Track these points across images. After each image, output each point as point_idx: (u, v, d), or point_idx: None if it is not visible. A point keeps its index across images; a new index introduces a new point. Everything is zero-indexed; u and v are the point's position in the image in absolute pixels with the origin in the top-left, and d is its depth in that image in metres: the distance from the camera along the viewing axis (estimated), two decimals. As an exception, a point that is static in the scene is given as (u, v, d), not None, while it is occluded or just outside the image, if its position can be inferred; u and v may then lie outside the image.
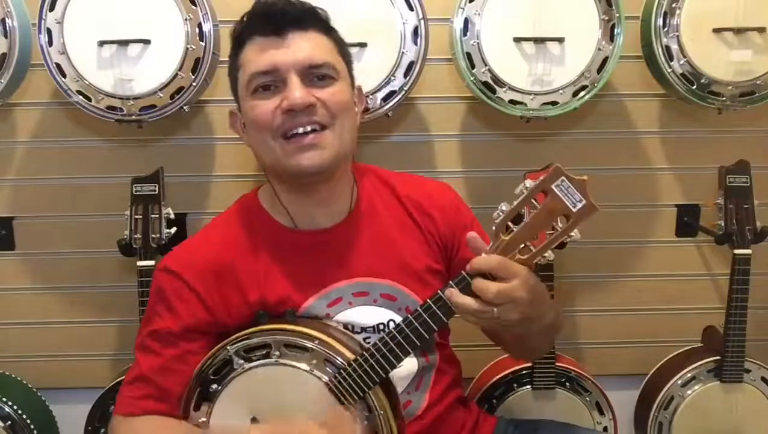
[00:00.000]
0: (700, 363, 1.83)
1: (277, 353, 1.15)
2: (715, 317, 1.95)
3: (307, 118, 1.15)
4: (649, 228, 2.01)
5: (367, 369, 1.12)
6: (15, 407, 1.79)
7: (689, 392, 1.83)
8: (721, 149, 1.93)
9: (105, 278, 1.96)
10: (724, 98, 1.71)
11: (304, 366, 1.14)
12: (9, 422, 1.77)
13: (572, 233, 1.07)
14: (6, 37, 1.61)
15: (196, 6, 1.61)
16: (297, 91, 1.13)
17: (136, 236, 1.70)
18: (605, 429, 1.84)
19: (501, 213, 1.06)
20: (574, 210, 1.05)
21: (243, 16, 1.21)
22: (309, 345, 1.14)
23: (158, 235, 1.70)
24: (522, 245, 1.06)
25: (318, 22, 1.20)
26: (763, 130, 1.98)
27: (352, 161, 1.30)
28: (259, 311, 1.21)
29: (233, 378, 1.17)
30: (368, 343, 1.23)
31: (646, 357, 1.99)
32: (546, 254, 1.07)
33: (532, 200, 1.05)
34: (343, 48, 1.24)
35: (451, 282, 1.08)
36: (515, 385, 1.81)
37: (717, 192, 1.81)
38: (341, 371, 1.13)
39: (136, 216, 1.70)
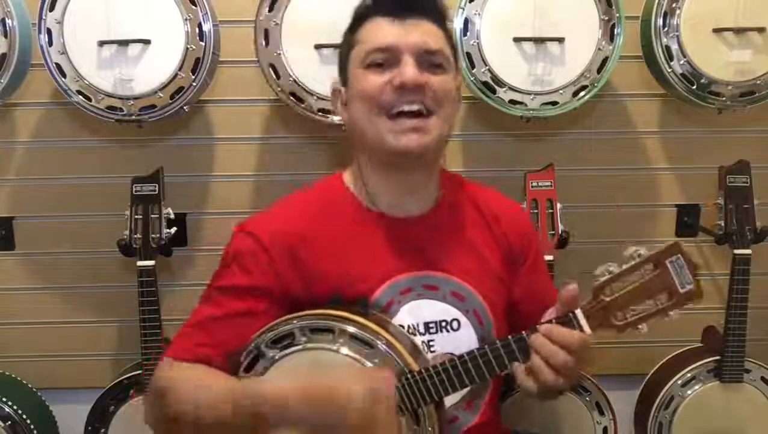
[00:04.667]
0: (700, 363, 1.83)
1: (340, 340, 1.14)
2: (715, 317, 1.95)
3: (416, 97, 1.15)
4: (649, 228, 2.02)
5: (429, 385, 1.11)
6: (15, 407, 1.79)
7: (689, 392, 1.83)
8: (721, 149, 1.93)
9: (105, 278, 1.96)
10: (724, 98, 1.71)
11: (366, 362, 1.13)
12: (9, 422, 1.77)
13: (671, 313, 1.05)
14: (6, 37, 1.61)
15: (196, 6, 1.61)
16: (410, 70, 1.15)
17: (136, 236, 1.70)
18: (605, 429, 1.83)
19: (607, 273, 1.05)
20: (681, 291, 1.04)
21: None
22: (376, 343, 1.13)
23: (158, 235, 1.70)
24: (618, 311, 1.06)
25: (438, 13, 1.23)
26: (763, 130, 1.98)
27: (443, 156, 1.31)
28: (333, 296, 1.20)
29: (291, 353, 1.15)
30: (431, 345, 1.22)
31: (646, 357, 1.99)
32: (640, 327, 1.07)
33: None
34: (453, 44, 1.26)
35: (525, 333, 1.08)
36: (515, 385, 1.80)
37: (717, 192, 1.81)
38: (401, 378, 1.11)
39: (136, 216, 1.70)
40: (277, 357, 1.16)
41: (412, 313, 1.23)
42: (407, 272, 1.23)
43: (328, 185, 1.31)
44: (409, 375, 1.11)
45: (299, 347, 1.15)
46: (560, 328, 1.07)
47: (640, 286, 1.04)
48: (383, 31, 1.19)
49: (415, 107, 1.16)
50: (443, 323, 1.24)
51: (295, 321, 1.16)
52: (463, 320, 1.24)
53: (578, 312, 1.07)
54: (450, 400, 1.22)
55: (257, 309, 1.20)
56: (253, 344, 1.18)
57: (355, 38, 1.22)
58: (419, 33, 1.18)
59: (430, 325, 1.24)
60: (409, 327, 1.22)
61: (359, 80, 1.19)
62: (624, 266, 1.04)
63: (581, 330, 1.07)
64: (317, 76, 1.65)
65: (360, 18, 1.23)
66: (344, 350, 1.13)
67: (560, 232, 1.75)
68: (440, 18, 1.23)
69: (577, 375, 1.09)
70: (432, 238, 1.26)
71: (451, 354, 1.18)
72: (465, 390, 1.22)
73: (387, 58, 1.17)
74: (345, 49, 1.25)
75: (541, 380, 1.06)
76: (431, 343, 1.23)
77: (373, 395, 1.06)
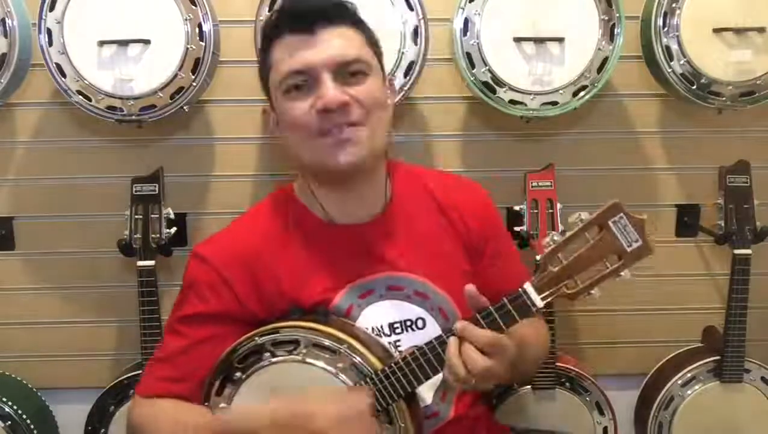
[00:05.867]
0: (700, 363, 1.83)
1: (304, 351, 1.15)
2: (715, 317, 1.95)
3: (343, 118, 1.13)
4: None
5: (394, 381, 1.11)
6: (15, 407, 1.79)
7: (689, 392, 1.83)
8: (721, 149, 1.93)
9: (105, 278, 1.95)
10: (724, 98, 1.71)
11: (330, 368, 1.14)
12: (9, 422, 1.77)
13: (622, 273, 1.03)
14: (6, 37, 1.61)
15: (196, 6, 1.61)
16: (331, 91, 1.12)
17: (136, 236, 1.70)
18: (605, 429, 1.84)
19: (552, 243, 1.03)
20: (628, 250, 1.01)
21: (271, 14, 1.21)
22: (338, 348, 1.14)
23: (158, 235, 1.70)
24: (569, 279, 1.04)
25: (347, 15, 1.19)
26: (763, 130, 1.98)
27: (385, 156, 1.29)
28: (292, 307, 1.21)
29: (258, 369, 1.17)
30: (398, 346, 1.23)
31: (646, 357, 1.99)
32: (592, 292, 1.04)
33: (585, 233, 1.01)
34: (372, 40, 1.22)
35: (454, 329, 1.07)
36: (515, 385, 1.80)
37: (717, 192, 1.81)
38: (367, 379, 1.12)
39: (136, 216, 1.70)
40: (244, 377, 1.17)
41: (375, 315, 1.23)
42: (366, 276, 1.23)
43: (280, 198, 1.30)
44: (373, 375, 1.12)
45: (266, 363, 1.17)
46: (473, 330, 1.05)
47: (587, 251, 1.02)
48: (294, 51, 1.14)
49: (344, 128, 1.14)
50: (408, 323, 1.24)
51: (257, 338, 1.17)
52: (429, 318, 1.24)
53: (528, 286, 1.05)
54: (429, 394, 1.24)
55: (221, 334, 1.21)
56: (220, 366, 1.19)
57: (269, 60, 1.19)
58: (332, 44, 1.14)
59: (395, 325, 1.24)
60: (373, 329, 1.23)
61: (284, 109, 1.17)
62: (567, 234, 1.02)
63: (533, 303, 1.05)
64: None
65: (269, 38, 1.19)
66: (309, 359, 1.14)
67: (560, 232, 1.74)
68: (350, 18, 1.19)
69: (490, 374, 1.06)
70: (389, 240, 1.25)
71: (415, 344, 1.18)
72: (438, 382, 1.23)
73: (305, 80, 1.14)
74: (263, 73, 1.22)
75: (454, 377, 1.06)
76: (397, 343, 1.23)
77: (348, 418, 1.08)
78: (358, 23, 1.20)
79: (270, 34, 1.19)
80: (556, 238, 1.03)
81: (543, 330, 1.39)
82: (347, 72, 1.15)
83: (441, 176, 1.38)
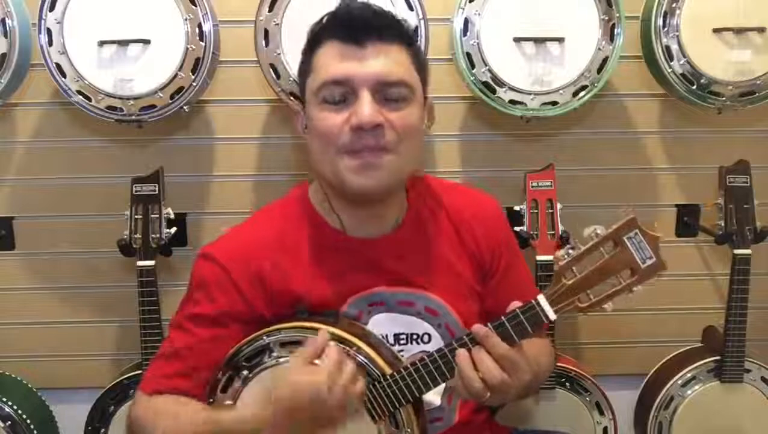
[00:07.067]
0: (700, 363, 1.83)
1: None
2: (715, 317, 1.95)
3: (374, 140, 1.10)
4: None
5: (402, 386, 1.11)
6: (15, 407, 1.79)
7: (689, 392, 1.83)
8: (721, 149, 1.93)
9: (105, 278, 1.96)
10: (724, 98, 1.71)
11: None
12: (9, 422, 1.77)
13: (635, 289, 1.04)
14: (6, 37, 1.61)
15: (196, 6, 1.61)
16: (367, 109, 1.08)
17: (136, 236, 1.70)
18: (605, 429, 1.83)
19: (566, 256, 1.04)
20: (642, 266, 1.03)
21: (323, 17, 1.16)
22: (346, 350, 1.13)
23: (158, 235, 1.70)
24: (582, 293, 1.04)
25: (400, 35, 1.14)
26: (763, 130, 1.98)
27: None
28: (299, 307, 1.20)
29: (265, 368, 1.16)
30: (401, 354, 1.22)
31: (646, 357, 1.99)
32: (605, 306, 1.05)
33: (601, 248, 1.02)
34: (420, 63, 1.17)
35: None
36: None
37: (717, 192, 1.81)
38: (375, 382, 1.12)
39: (136, 216, 1.70)
40: (251, 375, 1.17)
41: (382, 324, 1.22)
42: (376, 290, 1.22)
43: (294, 201, 1.28)
44: (382, 379, 1.12)
45: (272, 362, 1.16)
46: (494, 337, 1.05)
47: (601, 265, 1.03)
48: (339, 61, 1.10)
49: (375, 152, 1.11)
50: (414, 336, 1.24)
51: (265, 337, 1.17)
52: (435, 334, 1.24)
53: (541, 298, 1.06)
54: (436, 397, 1.24)
55: (227, 334, 1.20)
56: (227, 363, 1.18)
57: (311, 64, 1.15)
58: (378, 62, 1.10)
59: (401, 336, 1.24)
60: (380, 336, 1.22)
61: (316, 117, 1.13)
62: (582, 247, 1.03)
63: (546, 315, 1.05)
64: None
65: (315, 40, 1.15)
66: (317, 361, 1.13)
67: (560, 232, 1.75)
68: (403, 38, 1.14)
69: (504, 390, 1.06)
70: (401, 255, 1.24)
71: (424, 351, 1.17)
72: (443, 386, 1.21)
73: (343, 93, 1.10)
74: (302, 74, 1.19)
75: (467, 386, 1.06)
76: (401, 353, 1.23)
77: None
78: (410, 45, 1.16)
79: (317, 37, 1.15)
80: (571, 251, 1.04)
81: (549, 348, 1.38)
82: (388, 94, 1.11)
83: (457, 193, 1.35)
